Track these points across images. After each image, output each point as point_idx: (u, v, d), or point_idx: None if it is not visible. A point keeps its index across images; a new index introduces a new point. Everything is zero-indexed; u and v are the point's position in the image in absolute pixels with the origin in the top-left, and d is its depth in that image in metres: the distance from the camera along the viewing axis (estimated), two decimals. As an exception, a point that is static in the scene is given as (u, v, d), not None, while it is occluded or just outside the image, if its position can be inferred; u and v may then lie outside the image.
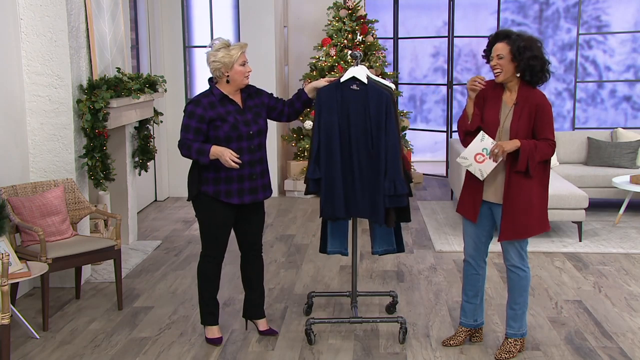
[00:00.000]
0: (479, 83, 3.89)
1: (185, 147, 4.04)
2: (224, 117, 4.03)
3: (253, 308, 4.44)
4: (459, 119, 4.08)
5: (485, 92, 3.97)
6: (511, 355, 4.08)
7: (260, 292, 4.44)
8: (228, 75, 4.04)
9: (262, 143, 4.17)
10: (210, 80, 4.14)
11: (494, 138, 3.90)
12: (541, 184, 3.92)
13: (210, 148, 3.97)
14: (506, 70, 3.83)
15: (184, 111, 4.08)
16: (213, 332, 4.35)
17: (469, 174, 4.03)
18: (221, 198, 4.08)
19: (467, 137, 3.99)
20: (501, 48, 3.82)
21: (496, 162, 3.84)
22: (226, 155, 3.93)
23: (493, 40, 3.90)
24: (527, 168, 3.79)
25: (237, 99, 4.13)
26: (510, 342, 4.11)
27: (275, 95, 4.38)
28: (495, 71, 3.85)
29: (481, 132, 3.89)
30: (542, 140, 3.83)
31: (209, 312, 4.33)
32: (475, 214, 4.01)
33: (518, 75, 3.85)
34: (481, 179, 3.92)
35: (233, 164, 3.94)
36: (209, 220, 4.16)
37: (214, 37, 4.20)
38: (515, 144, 3.79)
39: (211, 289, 4.29)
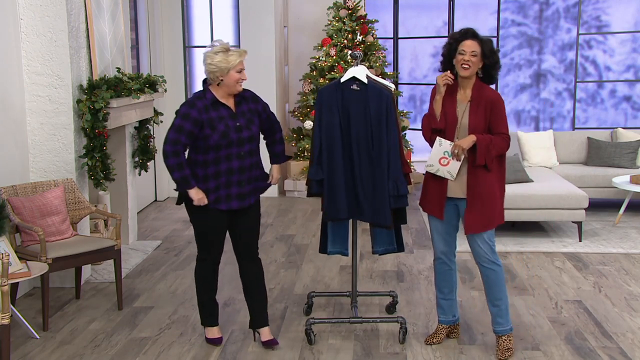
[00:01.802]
0: (449, 77, 3.98)
1: (177, 158, 3.92)
2: (215, 124, 3.96)
3: (255, 315, 4.31)
4: (423, 118, 4.13)
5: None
6: (511, 352, 4.11)
7: (260, 299, 4.30)
8: (222, 80, 3.97)
9: (252, 149, 4.09)
10: (205, 81, 4.07)
11: (453, 135, 4.01)
12: (499, 177, 4.04)
13: (192, 187, 3.97)
14: (474, 67, 3.94)
15: (177, 112, 4.00)
16: (213, 332, 4.34)
17: (428, 174, 4.11)
18: (210, 205, 4.03)
19: (433, 135, 4.06)
20: (474, 45, 3.91)
21: (459, 160, 3.96)
22: (197, 198, 3.98)
23: (462, 36, 3.96)
24: (485, 162, 3.92)
25: (230, 102, 4.06)
26: (505, 340, 4.14)
27: (272, 114, 4.25)
28: (465, 66, 3.92)
29: (437, 137, 4.02)
30: (497, 134, 3.96)
31: (208, 314, 4.32)
32: (441, 210, 4.07)
33: (477, 74, 3.99)
34: (452, 179, 4.02)
35: (197, 201, 3.98)
36: (201, 223, 4.12)
37: (215, 39, 4.14)
38: (471, 139, 3.92)
39: (208, 291, 4.27)
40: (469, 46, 3.90)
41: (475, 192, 3.97)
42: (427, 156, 4.07)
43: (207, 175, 4.01)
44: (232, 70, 3.94)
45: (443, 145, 3.99)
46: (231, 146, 4.00)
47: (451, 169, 3.99)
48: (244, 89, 4.16)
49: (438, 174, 4.03)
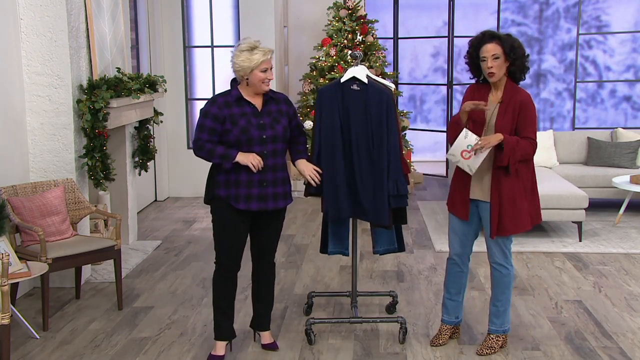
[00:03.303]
0: (481, 105, 3.88)
1: (204, 150, 3.90)
2: (236, 119, 3.89)
3: (258, 318, 4.29)
4: (449, 124, 4.10)
5: (472, 95, 4.02)
6: (492, 351, 4.12)
7: (265, 304, 4.27)
8: (247, 79, 3.92)
9: (276, 150, 3.95)
10: (233, 80, 4.01)
11: (480, 135, 3.94)
12: (526, 184, 3.94)
13: (236, 154, 3.86)
14: (500, 70, 3.88)
15: (200, 111, 3.96)
16: (215, 348, 4.14)
17: (457, 173, 4.08)
18: (231, 202, 3.93)
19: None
20: (494, 48, 3.85)
21: (482, 154, 3.87)
22: (249, 160, 3.84)
23: (479, 42, 3.91)
24: (508, 164, 3.83)
25: (257, 101, 3.99)
26: (492, 338, 4.15)
27: (301, 123, 4.17)
28: (490, 71, 3.87)
29: (464, 129, 3.93)
30: (523, 138, 3.87)
31: (216, 324, 4.12)
32: (466, 212, 4.04)
33: (506, 73, 3.92)
34: (471, 174, 3.96)
35: (251, 165, 3.83)
36: (220, 225, 3.99)
37: (243, 37, 4.04)
38: (499, 137, 3.83)
39: (220, 300, 4.07)
40: (488, 50, 3.84)
41: (496, 195, 3.90)
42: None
43: (229, 169, 3.92)
44: (256, 70, 3.88)
45: (468, 137, 3.89)
46: (252, 143, 3.90)
47: (472, 163, 3.91)
48: (277, 92, 4.11)
49: (458, 165, 3.98)
